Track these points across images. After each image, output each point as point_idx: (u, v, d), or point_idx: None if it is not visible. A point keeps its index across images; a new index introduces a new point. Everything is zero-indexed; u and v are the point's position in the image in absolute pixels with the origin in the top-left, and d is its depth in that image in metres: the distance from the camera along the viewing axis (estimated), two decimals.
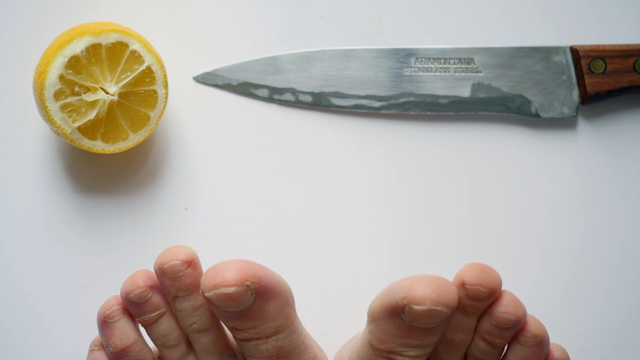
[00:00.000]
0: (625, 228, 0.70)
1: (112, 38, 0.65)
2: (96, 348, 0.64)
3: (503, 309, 0.60)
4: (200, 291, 0.61)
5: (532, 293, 0.69)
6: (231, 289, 0.58)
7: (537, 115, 0.70)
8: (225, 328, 0.64)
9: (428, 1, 0.71)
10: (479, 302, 0.60)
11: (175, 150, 0.70)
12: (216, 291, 0.58)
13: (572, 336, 0.68)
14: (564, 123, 0.71)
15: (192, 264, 0.61)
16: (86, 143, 0.65)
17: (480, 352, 0.62)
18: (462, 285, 0.60)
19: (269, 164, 0.70)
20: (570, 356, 0.67)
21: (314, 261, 0.69)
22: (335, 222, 0.69)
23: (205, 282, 0.59)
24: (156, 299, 0.62)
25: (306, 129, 0.70)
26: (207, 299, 0.59)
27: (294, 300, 0.62)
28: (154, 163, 0.70)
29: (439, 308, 0.58)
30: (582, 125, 0.71)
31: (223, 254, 0.68)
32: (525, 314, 0.61)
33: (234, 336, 0.62)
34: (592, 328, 0.69)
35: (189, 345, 0.63)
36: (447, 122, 0.70)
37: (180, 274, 0.61)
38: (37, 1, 0.70)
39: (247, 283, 0.58)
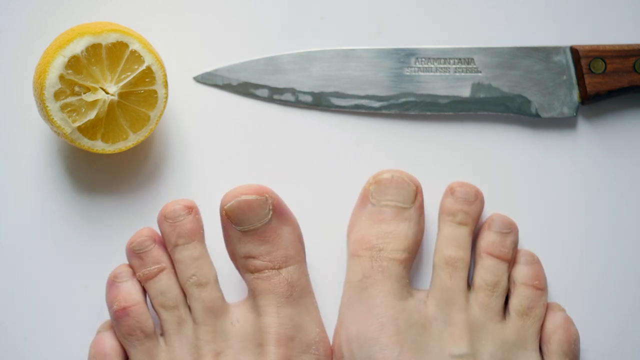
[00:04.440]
0: (626, 228, 0.70)
1: (112, 38, 0.65)
2: (102, 330, 0.66)
3: (495, 214, 0.67)
4: (220, 205, 0.64)
5: None
6: (252, 197, 0.64)
7: (537, 115, 0.70)
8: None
9: (428, 1, 0.71)
10: (467, 204, 0.66)
11: (175, 150, 0.70)
12: (237, 199, 0.64)
13: None
14: (564, 123, 0.70)
15: (192, 210, 0.65)
16: (86, 143, 0.65)
17: (487, 270, 0.66)
18: (451, 191, 0.67)
19: (269, 164, 0.70)
20: None
21: (314, 261, 0.69)
22: (335, 222, 0.69)
23: (226, 196, 0.64)
24: (157, 252, 0.65)
25: (306, 129, 0.70)
26: (227, 213, 0.64)
27: (304, 245, 0.66)
28: (154, 163, 0.70)
29: (402, 176, 0.66)
30: (582, 125, 0.71)
31: (223, 253, 0.68)
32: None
33: (246, 271, 0.65)
34: (592, 328, 0.69)
35: (187, 311, 0.65)
36: (447, 122, 0.70)
37: (181, 219, 0.65)
38: (37, 1, 0.70)
39: (266, 196, 0.64)
